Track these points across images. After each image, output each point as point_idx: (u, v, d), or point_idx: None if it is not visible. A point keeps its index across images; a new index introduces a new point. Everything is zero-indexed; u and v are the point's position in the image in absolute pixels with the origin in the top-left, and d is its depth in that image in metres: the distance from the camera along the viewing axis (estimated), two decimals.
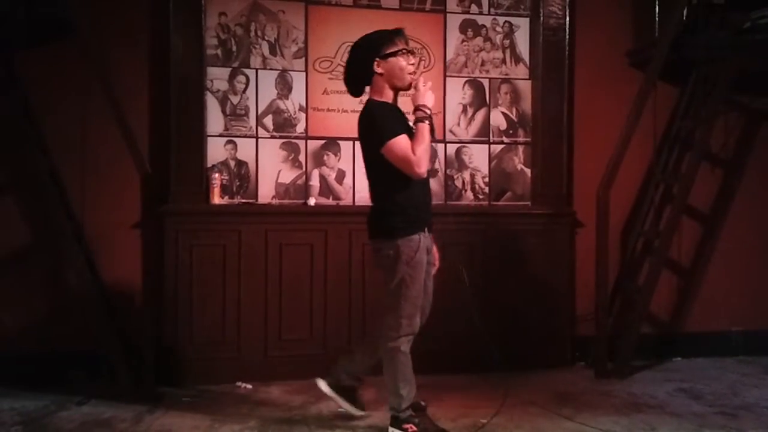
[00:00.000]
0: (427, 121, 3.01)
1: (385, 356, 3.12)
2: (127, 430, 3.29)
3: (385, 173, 3.03)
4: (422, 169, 2.97)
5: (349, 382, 3.38)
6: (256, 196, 4.24)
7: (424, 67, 4.43)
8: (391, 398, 3.14)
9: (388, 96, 3.11)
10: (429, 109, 3.05)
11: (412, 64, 3.12)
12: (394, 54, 3.06)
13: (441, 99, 4.45)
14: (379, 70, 3.06)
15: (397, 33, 3.11)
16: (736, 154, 4.80)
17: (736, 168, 4.80)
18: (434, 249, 3.31)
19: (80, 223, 4.02)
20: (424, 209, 3.17)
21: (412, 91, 3.12)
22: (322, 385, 3.34)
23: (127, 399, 3.67)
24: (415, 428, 3.10)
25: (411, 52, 3.13)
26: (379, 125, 3.00)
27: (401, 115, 3.13)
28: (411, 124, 3.09)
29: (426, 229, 3.14)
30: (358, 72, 3.14)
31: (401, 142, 2.96)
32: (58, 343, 3.97)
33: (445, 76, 4.47)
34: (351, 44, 3.23)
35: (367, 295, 4.15)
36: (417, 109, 3.05)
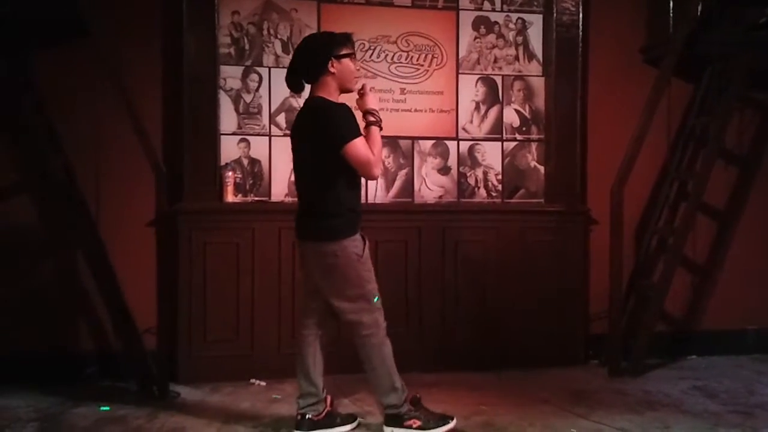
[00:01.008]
0: (377, 126, 3.09)
1: (372, 355, 3.09)
2: (141, 427, 3.31)
3: (333, 174, 3.02)
4: (379, 170, 3.04)
5: (314, 412, 3.21)
6: (269, 194, 4.26)
7: (437, 65, 4.43)
8: (387, 397, 3.13)
9: (334, 96, 3.11)
10: (377, 112, 3.12)
11: (358, 69, 3.22)
12: (347, 56, 3.10)
13: (454, 96, 4.45)
14: (332, 69, 3.07)
15: (349, 37, 3.16)
16: (751, 150, 4.76)
17: (751, 165, 4.77)
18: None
19: (94, 222, 4.04)
20: (360, 212, 3.17)
21: (355, 96, 3.18)
22: None
23: (141, 396, 3.70)
24: (419, 422, 3.10)
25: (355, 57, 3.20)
26: (341, 125, 2.99)
27: None
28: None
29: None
30: (310, 68, 3.12)
31: (363, 143, 2.99)
32: (73, 340, 4.00)
33: (457, 74, 4.47)
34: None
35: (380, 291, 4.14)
36: (367, 112, 3.11)
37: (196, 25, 4.07)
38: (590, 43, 4.58)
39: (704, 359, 4.59)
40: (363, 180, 3.16)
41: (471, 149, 4.48)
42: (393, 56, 4.38)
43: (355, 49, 3.23)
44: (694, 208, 4.35)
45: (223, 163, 4.18)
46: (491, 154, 4.51)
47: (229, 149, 4.21)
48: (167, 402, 3.65)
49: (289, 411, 3.44)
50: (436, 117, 4.44)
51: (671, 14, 4.39)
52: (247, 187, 4.23)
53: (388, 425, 3.15)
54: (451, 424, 3.17)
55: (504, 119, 4.53)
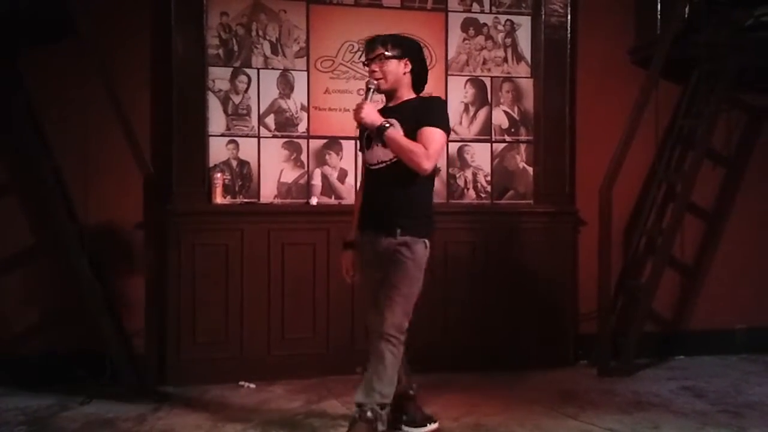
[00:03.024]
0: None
1: (376, 354, 2.93)
2: (130, 430, 3.30)
3: None
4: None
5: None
6: (258, 196, 4.24)
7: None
8: (370, 393, 2.93)
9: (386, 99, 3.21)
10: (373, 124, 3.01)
11: (373, 71, 3.07)
12: (366, 62, 3.14)
13: (443, 98, 4.45)
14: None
15: (366, 43, 3.16)
16: (738, 151, 4.79)
17: (738, 165, 4.79)
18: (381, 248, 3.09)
19: (83, 224, 4.01)
20: (367, 208, 3.15)
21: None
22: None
23: (130, 399, 3.67)
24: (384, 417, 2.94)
25: (365, 63, 3.16)
26: None
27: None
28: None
29: (364, 228, 3.13)
30: None
31: None
32: (62, 343, 3.97)
33: (446, 75, 4.47)
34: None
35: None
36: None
37: (184, 26, 4.06)
38: (578, 45, 4.59)
39: (693, 359, 4.61)
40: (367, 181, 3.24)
41: (460, 150, 4.48)
42: None
43: (363, 50, 3.22)
44: (682, 208, 4.38)
45: (211, 164, 4.17)
46: (480, 156, 4.52)
47: (218, 151, 4.19)
48: (156, 404, 3.63)
49: (278, 414, 3.44)
50: None
51: (659, 16, 4.41)
52: (236, 188, 4.22)
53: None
54: (433, 427, 3.20)
55: (493, 121, 4.53)
